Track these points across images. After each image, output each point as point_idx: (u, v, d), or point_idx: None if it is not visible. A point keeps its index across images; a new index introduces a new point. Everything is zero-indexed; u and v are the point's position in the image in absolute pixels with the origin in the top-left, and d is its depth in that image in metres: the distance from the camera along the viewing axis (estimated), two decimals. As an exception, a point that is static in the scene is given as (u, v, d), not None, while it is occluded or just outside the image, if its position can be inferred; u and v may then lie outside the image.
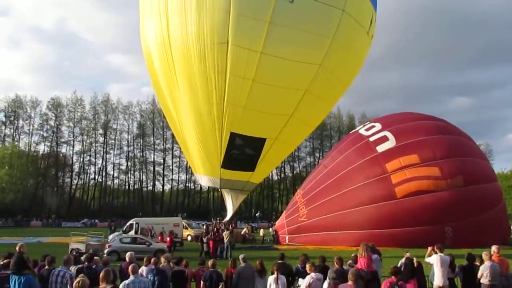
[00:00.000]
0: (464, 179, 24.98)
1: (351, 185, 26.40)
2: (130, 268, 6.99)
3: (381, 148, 26.78)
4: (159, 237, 25.54)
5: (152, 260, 8.67)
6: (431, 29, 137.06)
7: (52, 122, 76.39)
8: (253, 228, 43.62)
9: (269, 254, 21.34)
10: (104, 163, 79.21)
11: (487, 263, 8.97)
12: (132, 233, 26.27)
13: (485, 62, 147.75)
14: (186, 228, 35.08)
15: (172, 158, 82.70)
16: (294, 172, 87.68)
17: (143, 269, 8.44)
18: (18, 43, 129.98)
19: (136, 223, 28.00)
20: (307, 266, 8.29)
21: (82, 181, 79.52)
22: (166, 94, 19.21)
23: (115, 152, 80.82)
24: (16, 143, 71.92)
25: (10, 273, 7.61)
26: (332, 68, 17.08)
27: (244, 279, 8.49)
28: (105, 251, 19.94)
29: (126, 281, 6.61)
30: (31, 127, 75.41)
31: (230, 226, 26.86)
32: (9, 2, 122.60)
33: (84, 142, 78.25)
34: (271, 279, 8.15)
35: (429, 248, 10.05)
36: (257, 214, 74.89)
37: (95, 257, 9.33)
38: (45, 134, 76.22)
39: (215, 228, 23.13)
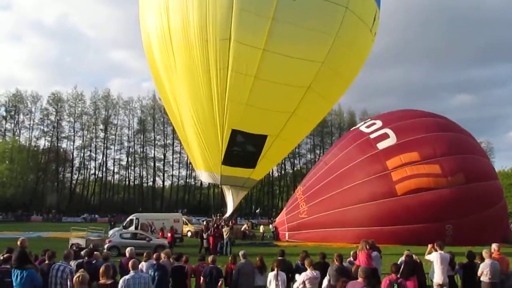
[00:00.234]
0: (465, 177, 24.96)
1: (352, 182, 26.41)
2: (130, 263, 6.98)
3: (381, 145, 26.76)
4: (160, 233, 25.56)
5: (155, 255, 8.66)
6: (432, 27, 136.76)
7: (52, 117, 76.42)
8: (253, 225, 43.63)
9: (269, 250, 21.38)
10: (104, 158, 79.31)
11: (487, 261, 8.96)
12: (132, 228, 26.30)
13: (486, 60, 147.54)
14: (186, 224, 35.09)
15: (173, 154, 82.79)
16: (295, 168, 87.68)
17: (143, 265, 8.44)
18: (19, 38, 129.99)
19: (136, 218, 28.02)
20: (306, 262, 8.29)
21: (83, 176, 79.65)
22: (168, 90, 19.18)
23: (116, 148, 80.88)
24: (17, 137, 71.94)
25: (9, 267, 7.61)
26: (335, 66, 17.01)
27: (244, 275, 8.49)
28: (105, 246, 19.96)
29: (126, 277, 6.60)
30: (31, 122, 75.53)
31: (230, 222, 26.87)
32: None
33: (85, 137, 78.31)
34: (271, 275, 8.15)
35: (429, 246, 10.05)
36: (257, 211, 74.89)
37: (95, 252, 9.35)
38: (45, 129, 76.32)
39: (215, 224, 23.14)
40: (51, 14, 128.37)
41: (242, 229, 34.62)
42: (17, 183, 64.35)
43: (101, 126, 79.05)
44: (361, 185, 26.05)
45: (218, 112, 17.44)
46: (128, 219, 28.64)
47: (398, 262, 9.21)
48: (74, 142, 77.81)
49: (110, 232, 26.27)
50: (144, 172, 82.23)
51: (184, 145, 22.61)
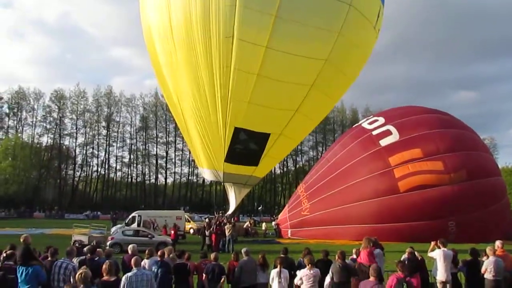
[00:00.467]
0: (468, 173, 24.88)
1: (354, 179, 26.36)
2: (132, 260, 6.97)
3: (384, 142, 26.69)
4: (163, 230, 25.59)
5: (159, 252, 8.65)
6: (435, 22, 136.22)
7: (55, 114, 76.56)
8: (255, 222, 43.66)
9: (271, 248, 21.39)
10: (107, 155, 79.41)
11: (491, 258, 8.91)
12: (134, 225, 26.36)
13: (489, 55, 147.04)
14: (188, 221, 35.14)
15: (175, 151, 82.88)
16: (297, 166, 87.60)
17: (145, 262, 8.43)
18: (21, 36, 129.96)
19: (138, 215, 28.07)
20: (305, 260, 8.29)
21: (85, 173, 79.78)
22: (170, 87, 19.15)
23: (118, 145, 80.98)
24: (19, 134, 72.09)
25: (13, 264, 7.62)
26: (338, 63, 16.93)
27: (247, 272, 8.49)
28: (108, 243, 19.99)
29: (129, 274, 6.59)
30: (34, 119, 75.66)
31: (233, 219, 26.88)
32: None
33: (87, 135, 78.37)
34: (273, 272, 8.15)
35: (432, 243, 10.01)
36: (259, 208, 74.99)
37: (98, 249, 9.34)
38: (48, 126, 76.44)
39: (217, 222, 23.13)
40: (52, 12, 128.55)
41: (245, 226, 34.66)
42: (20, 180, 64.56)
43: (104, 124, 79.21)
44: (364, 182, 25.99)
45: (221, 110, 17.40)
46: (130, 216, 28.70)
47: (401, 260, 9.19)
48: (76, 139, 78.09)
49: (113, 229, 26.30)
50: (146, 169, 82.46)
51: (187, 142, 22.59)
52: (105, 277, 6.49)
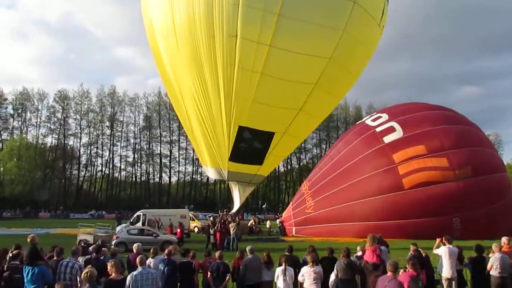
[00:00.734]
0: (473, 170, 24.73)
1: (358, 176, 26.28)
2: (138, 259, 6.99)
3: (388, 139, 26.57)
4: (169, 229, 25.65)
5: (166, 250, 8.67)
6: (438, 18, 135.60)
7: (59, 115, 76.85)
8: (259, 220, 43.68)
9: (276, 245, 21.39)
10: (111, 155, 79.77)
11: (497, 255, 8.87)
12: (139, 224, 26.43)
13: (493, 50, 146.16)
14: (193, 220, 35.22)
15: (179, 150, 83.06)
16: (301, 163, 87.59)
17: (150, 261, 8.44)
18: (25, 36, 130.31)
19: (143, 214, 28.15)
20: (308, 257, 8.30)
21: (90, 173, 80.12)
22: (174, 86, 19.16)
23: (122, 144, 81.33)
24: (24, 135, 72.45)
25: (19, 264, 7.66)
26: (342, 61, 16.87)
27: (251, 270, 8.50)
28: (113, 242, 20.05)
29: (134, 272, 6.61)
30: (38, 120, 76.06)
31: (237, 218, 26.90)
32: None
33: (91, 134, 78.72)
34: (279, 270, 8.15)
35: (438, 240, 9.98)
36: (263, 206, 75.01)
37: (103, 248, 9.38)
38: (52, 127, 76.83)
39: (222, 220, 23.16)
40: (55, 13, 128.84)
41: (249, 224, 34.70)
42: (25, 180, 64.82)
43: (107, 123, 79.50)
44: (368, 179, 25.91)
45: (225, 109, 17.41)
46: (135, 215, 28.78)
47: (408, 258, 9.17)
48: (80, 139, 78.40)
49: (118, 228, 26.40)
50: (150, 169, 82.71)
51: (191, 141, 22.63)
52: (112, 276, 6.52)
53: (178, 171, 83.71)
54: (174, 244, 15.09)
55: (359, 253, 9.82)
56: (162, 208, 49.18)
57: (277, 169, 79.66)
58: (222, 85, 16.87)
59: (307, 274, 8.01)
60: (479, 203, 24.06)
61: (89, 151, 78.91)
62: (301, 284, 8.17)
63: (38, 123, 75.73)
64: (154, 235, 21.58)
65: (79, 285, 6.89)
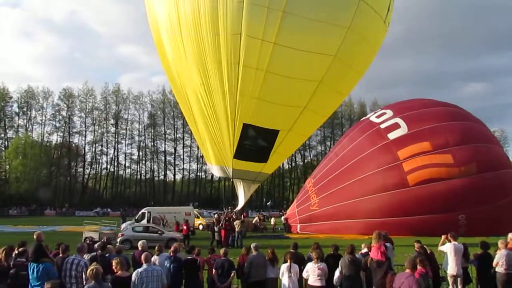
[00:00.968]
0: (478, 166, 24.63)
1: (363, 173, 26.22)
2: (143, 256, 7.02)
3: (392, 136, 26.49)
4: (175, 227, 25.66)
5: (172, 247, 8.70)
6: (445, 13, 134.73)
7: (64, 113, 77.24)
8: (264, 217, 43.72)
9: (280, 242, 21.40)
10: (115, 153, 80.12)
11: (503, 251, 8.82)
12: (144, 222, 26.51)
13: (500, 47, 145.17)
14: (198, 217, 35.29)
15: (183, 148, 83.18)
16: (305, 161, 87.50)
17: (155, 258, 8.47)
18: (29, 35, 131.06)
19: (148, 212, 28.23)
20: (313, 254, 8.31)
21: (94, 170, 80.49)
22: (179, 83, 19.16)
23: (127, 142, 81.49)
24: (29, 133, 72.79)
25: (25, 261, 7.71)
26: (347, 59, 16.77)
27: (256, 267, 8.52)
28: (118, 239, 20.13)
29: (139, 269, 6.63)
30: (43, 118, 76.39)
31: (242, 215, 26.92)
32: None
33: (96, 132, 79.03)
34: (284, 267, 8.17)
35: (443, 237, 9.95)
36: (268, 203, 75.03)
37: (109, 246, 9.41)
38: (57, 125, 77.15)
39: (227, 217, 23.20)
40: (60, 11, 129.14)
41: (253, 221, 34.72)
42: (31, 178, 65.16)
43: (112, 121, 79.71)
44: (372, 176, 25.86)
45: (230, 106, 17.38)
46: (140, 213, 28.86)
47: (413, 255, 9.14)
48: (85, 137, 78.72)
49: (123, 225, 26.48)
50: (155, 166, 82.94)
51: (196, 138, 22.64)
52: (119, 273, 6.55)
53: (183, 169, 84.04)
54: (179, 242, 15.18)
55: (364, 250, 9.80)
56: (166, 205, 49.28)
57: (281, 166, 79.64)
58: (226, 83, 16.85)
59: (311, 270, 8.04)
60: (485, 199, 23.97)
61: (94, 149, 79.35)
62: (306, 280, 8.18)
63: (43, 121, 76.23)
64: (159, 232, 21.66)
65: (84, 282, 6.93)
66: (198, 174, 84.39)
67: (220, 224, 22.72)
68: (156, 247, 9.01)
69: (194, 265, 8.51)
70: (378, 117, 29.03)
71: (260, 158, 19.27)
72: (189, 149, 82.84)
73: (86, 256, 8.19)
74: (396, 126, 26.88)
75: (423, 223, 23.55)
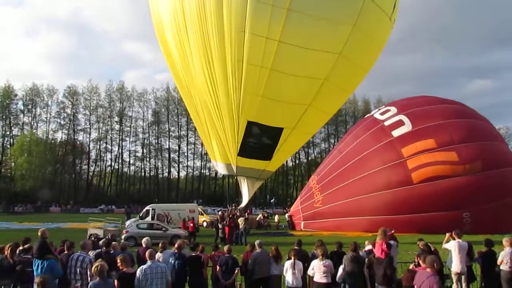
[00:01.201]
0: (483, 164, 24.50)
1: (366, 170, 26.17)
2: (147, 253, 7.05)
3: (396, 133, 26.40)
4: (182, 224, 25.76)
5: (176, 244, 8.73)
6: (449, 9, 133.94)
7: (68, 110, 77.67)
8: (268, 214, 43.77)
9: (284, 240, 21.45)
10: (120, 150, 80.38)
11: (507, 249, 8.80)
12: (148, 219, 26.61)
13: (506, 43, 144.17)
14: (202, 214, 35.38)
15: (187, 145, 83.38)
16: (309, 158, 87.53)
17: (159, 255, 8.50)
18: (34, 33, 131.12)
19: (152, 209, 28.33)
20: (318, 251, 8.33)
21: (99, 168, 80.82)
22: (184, 80, 19.17)
23: (131, 139, 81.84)
24: (34, 131, 73.19)
25: (30, 257, 7.77)
26: (352, 56, 16.68)
27: (260, 264, 8.54)
28: (122, 236, 20.23)
29: (144, 266, 6.66)
30: (48, 115, 76.78)
31: (245, 212, 26.96)
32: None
33: (100, 130, 79.25)
34: (287, 264, 8.19)
35: (447, 234, 9.92)
36: (272, 200, 75.10)
37: (113, 242, 9.46)
38: (62, 122, 77.55)
39: (231, 215, 23.26)
40: (64, 8, 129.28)
41: (257, 219, 34.77)
42: (36, 175, 65.51)
43: (116, 118, 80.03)
44: (376, 173, 25.80)
45: (234, 104, 17.37)
46: (144, 210, 28.97)
47: (417, 253, 9.14)
48: (90, 134, 79.14)
49: (127, 222, 26.60)
50: (159, 163, 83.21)
51: (201, 136, 22.66)
52: (125, 269, 6.58)
53: (187, 166, 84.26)
54: (183, 238, 15.22)
55: (367, 248, 9.80)
56: (171, 202, 49.46)
57: (285, 163, 79.55)
58: (231, 80, 16.84)
59: (317, 267, 8.05)
60: (490, 197, 23.86)
61: (98, 146, 79.66)
62: (311, 277, 8.20)
63: (48, 118, 76.58)
64: (163, 229, 21.73)
65: (89, 278, 6.97)
66: (202, 171, 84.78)
67: (224, 221, 22.78)
68: (160, 244, 9.04)
69: (198, 262, 8.54)
70: (382, 114, 28.93)
71: (264, 156, 19.26)
72: (193, 146, 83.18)
73: (91, 253, 8.25)
74: (400, 123, 26.78)
75: (427, 221, 23.49)
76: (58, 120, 77.19)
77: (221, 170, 21.35)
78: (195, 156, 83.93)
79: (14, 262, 7.90)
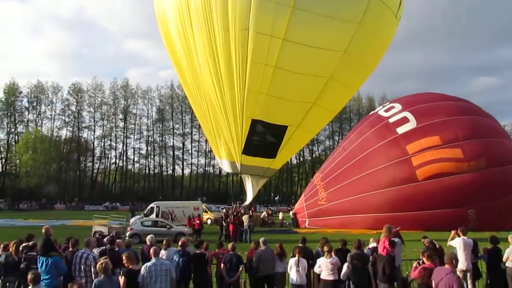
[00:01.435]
0: (488, 161, 24.38)
1: (371, 167, 26.10)
2: (151, 250, 7.05)
3: (401, 130, 26.29)
4: (187, 221, 25.77)
5: (180, 241, 8.73)
6: (454, 6, 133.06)
7: (73, 108, 77.77)
8: (272, 212, 43.77)
9: (288, 237, 21.42)
10: (124, 147, 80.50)
11: (512, 246, 8.76)
12: (153, 216, 26.67)
13: (510, 40, 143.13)
14: (206, 212, 35.43)
15: (191, 143, 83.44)
16: (313, 155, 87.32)
17: (163, 253, 8.50)
18: (38, 31, 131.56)
19: (156, 206, 28.40)
20: (324, 249, 8.32)
21: (104, 165, 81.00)
22: (189, 78, 19.15)
23: (135, 137, 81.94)
24: (39, 128, 73.43)
25: (35, 254, 7.79)
26: (357, 54, 16.59)
27: (264, 262, 8.53)
28: (127, 234, 20.28)
29: (148, 263, 6.67)
30: (53, 113, 76.91)
31: (250, 210, 26.96)
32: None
33: (105, 127, 79.44)
34: (292, 261, 8.17)
35: (453, 232, 9.87)
36: (276, 198, 75.08)
37: (118, 240, 9.47)
38: (66, 119, 77.72)
39: (235, 212, 23.26)
40: (68, 6, 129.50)
41: (261, 216, 34.77)
42: (41, 172, 65.81)
43: (121, 116, 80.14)
44: (381, 170, 25.72)
45: (239, 102, 17.34)
46: (148, 207, 29.05)
47: (422, 250, 9.09)
48: (94, 131, 79.28)
49: (132, 220, 26.68)
50: (163, 161, 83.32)
51: (205, 133, 22.67)
52: (131, 266, 6.59)
53: (191, 163, 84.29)
54: (187, 236, 15.26)
55: (371, 245, 9.77)
56: (175, 200, 49.57)
57: (289, 161, 79.36)
58: (235, 78, 16.81)
59: (324, 265, 8.02)
60: (495, 194, 23.74)
61: (103, 144, 79.88)
62: (318, 275, 8.17)
63: (52, 116, 76.75)
64: (167, 226, 21.77)
65: (93, 276, 6.98)
66: (207, 168, 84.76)
67: (228, 219, 22.79)
68: (164, 242, 9.04)
69: (202, 259, 8.54)
70: (386, 111, 28.82)
71: (269, 154, 19.24)
72: (197, 143, 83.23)
73: (96, 250, 8.26)
74: (405, 120, 26.67)
75: (432, 218, 23.42)
76: (63, 117, 77.52)
77: (226, 167, 21.36)
78: (199, 153, 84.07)
79: (19, 259, 7.92)
